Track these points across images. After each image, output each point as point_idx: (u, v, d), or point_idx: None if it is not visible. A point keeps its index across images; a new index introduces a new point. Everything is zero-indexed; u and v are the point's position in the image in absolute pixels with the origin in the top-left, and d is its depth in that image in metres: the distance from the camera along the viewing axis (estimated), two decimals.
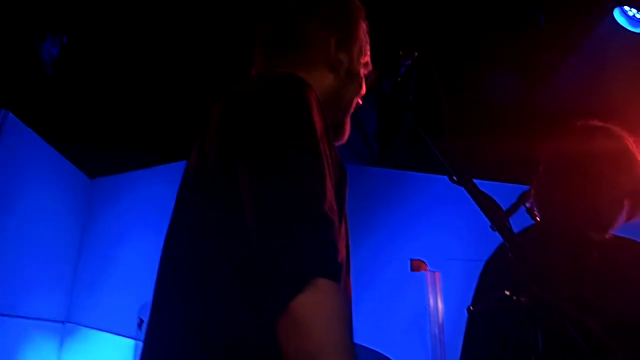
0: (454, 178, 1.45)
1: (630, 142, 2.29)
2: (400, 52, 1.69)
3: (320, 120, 1.38)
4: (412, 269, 3.56)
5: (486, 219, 2.28)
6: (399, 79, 1.72)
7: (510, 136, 4.58)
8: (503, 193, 2.57)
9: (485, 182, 4.51)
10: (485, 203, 1.37)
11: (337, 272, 1.23)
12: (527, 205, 2.69)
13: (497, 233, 2.42)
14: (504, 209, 2.60)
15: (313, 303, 1.19)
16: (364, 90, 1.74)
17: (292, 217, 1.23)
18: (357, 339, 3.09)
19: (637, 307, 2.19)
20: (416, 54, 1.67)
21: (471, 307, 1.40)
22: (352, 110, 1.73)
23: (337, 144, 1.71)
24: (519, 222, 2.32)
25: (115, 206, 4.38)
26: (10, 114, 3.56)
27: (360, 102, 1.75)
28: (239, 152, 1.33)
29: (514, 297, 1.21)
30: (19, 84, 3.63)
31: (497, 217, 1.33)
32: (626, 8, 4.15)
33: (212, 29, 3.78)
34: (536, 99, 4.95)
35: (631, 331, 2.16)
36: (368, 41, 1.77)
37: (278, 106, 1.35)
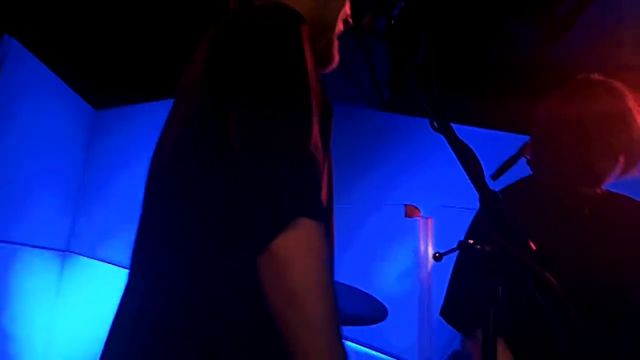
0: (435, 124, 1.44)
1: (630, 99, 2.26)
2: None
3: (311, 54, 1.37)
4: (406, 215, 3.57)
5: (485, 168, 2.30)
6: (392, 21, 1.69)
7: (525, 88, 4.54)
8: (515, 144, 2.57)
9: (498, 132, 4.51)
10: (463, 152, 1.35)
11: (319, 211, 1.23)
12: (528, 157, 2.69)
13: (494, 182, 2.43)
14: (508, 158, 2.62)
15: (294, 241, 1.20)
16: (348, 9, 1.69)
17: (278, 154, 1.23)
18: (349, 281, 3.12)
19: (623, 264, 2.19)
20: None
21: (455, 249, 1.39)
22: (338, 32, 1.69)
23: (327, 70, 1.69)
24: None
25: (120, 138, 4.39)
26: (15, 40, 3.54)
27: (350, 21, 1.70)
28: (228, 89, 1.32)
29: (478, 246, 1.20)
30: (24, 10, 3.61)
31: (472, 167, 1.32)
32: None
33: None
34: (551, 52, 4.88)
35: (614, 285, 2.17)
36: None
37: (269, 43, 1.33)
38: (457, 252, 1.25)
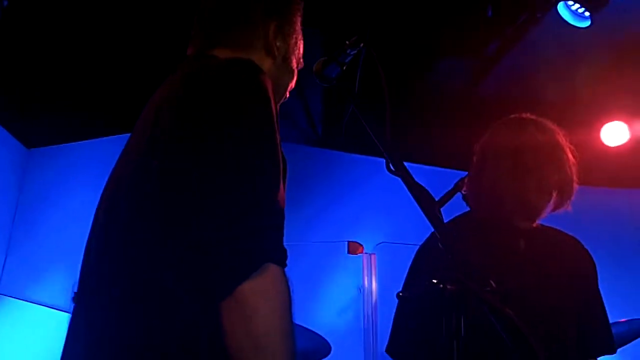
0: (391, 167, 1.49)
1: (560, 136, 2.36)
2: (347, 42, 1.72)
3: (275, 109, 1.41)
4: (349, 251, 3.62)
5: (410, 203, 2.36)
6: (344, 68, 1.75)
7: (454, 123, 4.67)
8: (447, 179, 2.65)
9: (430, 167, 4.62)
10: (419, 193, 1.41)
11: (284, 258, 1.29)
12: (464, 192, 2.76)
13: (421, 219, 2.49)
14: (444, 194, 2.69)
15: (261, 288, 1.23)
16: (294, 82, 1.77)
17: (249, 204, 1.26)
18: (295, 319, 3.13)
19: (558, 297, 2.28)
20: (362, 45, 1.69)
21: (400, 293, 1.45)
22: (283, 99, 1.77)
23: None
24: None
25: (52, 178, 4.31)
26: None
27: (287, 95, 1.79)
28: (198, 141, 1.33)
29: (440, 285, 1.26)
30: None
31: (429, 207, 1.37)
32: (570, 2, 4.22)
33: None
34: (480, 88, 5.05)
35: (551, 320, 2.25)
36: (302, 38, 1.80)
37: (242, 97, 1.37)
38: (421, 291, 1.30)
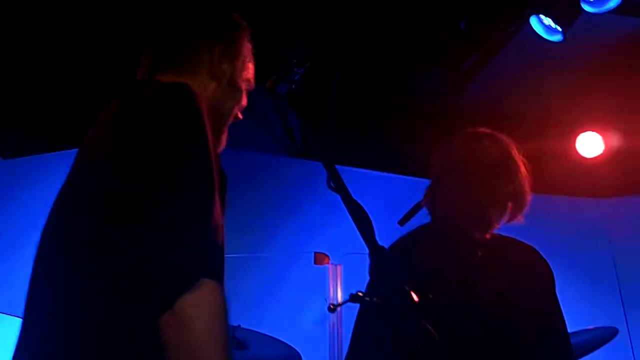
0: (331, 184, 1.55)
1: (514, 149, 2.43)
2: (294, 61, 1.79)
3: (210, 131, 1.48)
4: (315, 262, 3.67)
5: (391, 215, 2.41)
6: (293, 85, 1.81)
7: (431, 135, 4.72)
8: (423, 189, 2.69)
9: (407, 177, 4.68)
10: (355, 210, 1.47)
11: (219, 272, 1.35)
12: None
13: (400, 229, 2.55)
14: (413, 206, 2.73)
15: (197, 301, 1.30)
16: (244, 102, 1.84)
17: (187, 222, 1.34)
18: (262, 329, 3.18)
19: (515, 307, 2.33)
20: (307, 64, 1.76)
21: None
22: (230, 121, 1.83)
23: None
24: None
25: (29, 187, 4.32)
26: None
27: (240, 116, 1.85)
28: (134, 162, 1.40)
29: (367, 298, 1.32)
30: None
31: (363, 224, 1.44)
32: (542, 17, 4.28)
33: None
34: (457, 101, 5.12)
35: (508, 330, 2.30)
36: (252, 60, 1.86)
37: (174, 120, 1.44)
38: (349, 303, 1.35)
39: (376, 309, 1.32)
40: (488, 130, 2.46)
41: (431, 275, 2.29)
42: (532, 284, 2.39)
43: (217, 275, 1.34)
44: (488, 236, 2.42)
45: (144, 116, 1.46)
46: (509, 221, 2.40)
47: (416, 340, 1.26)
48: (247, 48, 1.84)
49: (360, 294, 1.35)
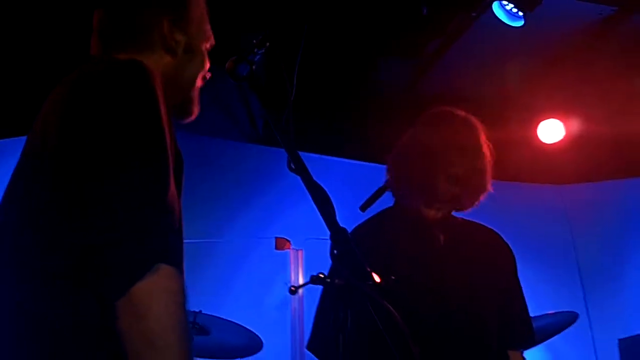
0: (292, 166, 1.53)
1: (481, 132, 2.40)
2: (254, 41, 1.75)
3: (164, 108, 1.42)
4: (276, 247, 3.66)
5: (352, 201, 2.40)
6: (253, 66, 1.78)
7: (393, 121, 4.72)
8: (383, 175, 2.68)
9: (369, 164, 4.68)
10: (316, 192, 1.45)
11: (175, 257, 1.31)
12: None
13: (360, 214, 2.54)
14: (375, 191, 2.72)
15: (153, 287, 1.26)
16: (207, 64, 1.77)
17: (138, 206, 1.28)
18: (224, 314, 3.16)
19: (478, 289, 2.33)
20: (267, 44, 1.72)
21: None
22: (198, 85, 1.76)
23: (186, 121, 1.76)
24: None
25: None
26: None
27: (208, 76, 1.78)
28: (82, 143, 1.34)
29: (328, 280, 1.30)
30: None
31: (324, 206, 1.42)
32: (504, 2, 4.29)
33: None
34: (418, 87, 5.12)
35: (471, 312, 2.30)
36: (206, 16, 1.79)
37: (123, 97, 1.38)
38: (310, 284, 1.33)
39: (338, 290, 1.31)
40: (458, 111, 2.43)
41: (394, 257, 2.29)
42: (494, 266, 2.40)
43: (172, 260, 1.29)
44: (450, 219, 2.42)
45: (91, 95, 1.40)
46: (469, 205, 2.40)
47: (378, 321, 1.25)
48: (198, 9, 1.76)
49: (321, 275, 1.33)
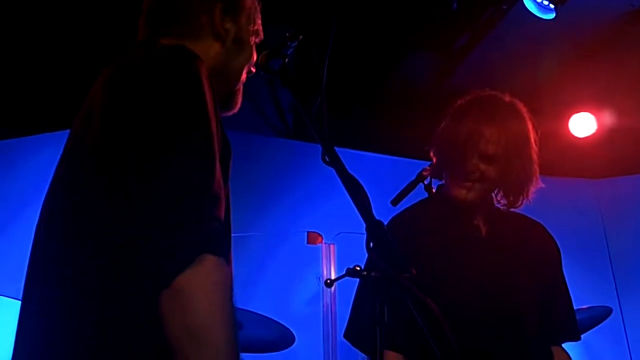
0: (326, 158, 1.52)
1: (530, 123, 2.34)
2: (287, 34, 1.75)
3: (210, 95, 1.40)
4: (308, 242, 3.65)
5: (381, 195, 2.39)
6: (286, 60, 1.77)
7: (422, 116, 4.71)
8: (414, 170, 2.67)
9: (399, 158, 4.66)
10: (351, 185, 1.45)
11: (221, 247, 1.26)
12: (426, 182, 2.79)
13: (392, 208, 2.53)
14: (407, 184, 2.71)
15: (198, 278, 1.22)
16: (254, 58, 1.75)
17: (182, 193, 1.25)
18: (256, 309, 3.16)
19: (521, 282, 2.29)
20: (300, 37, 1.72)
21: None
22: (243, 79, 1.74)
23: (228, 113, 1.74)
24: None
25: (21, 170, 4.28)
26: None
27: (254, 70, 1.76)
28: (127, 131, 1.33)
29: (364, 272, 1.30)
30: None
31: (359, 198, 1.41)
32: None
33: None
34: (448, 81, 5.10)
35: (513, 306, 2.26)
36: (258, 9, 1.77)
37: (168, 84, 1.36)
38: (346, 277, 1.33)
39: (374, 283, 1.30)
40: (506, 97, 2.37)
41: (433, 249, 2.26)
42: (538, 260, 2.35)
43: (218, 250, 1.25)
44: (495, 211, 2.38)
45: (135, 81, 1.39)
46: (514, 193, 2.33)
47: (416, 314, 1.24)
48: (250, 1, 1.74)
49: (357, 268, 1.32)
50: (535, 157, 2.32)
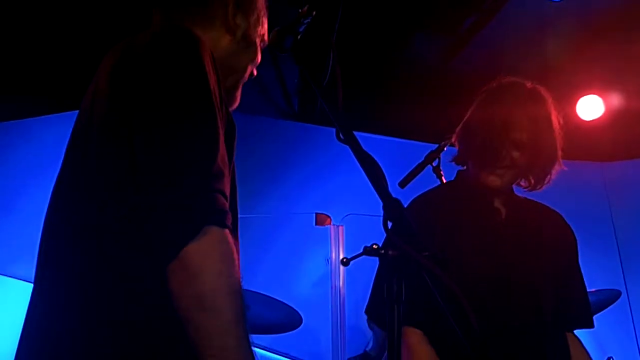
0: (341, 136, 1.51)
1: (552, 106, 2.37)
2: (300, 11, 1.73)
3: (214, 74, 1.43)
4: (316, 223, 3.65)
5: (391, 176, 2.38)
6: (298, 37, 1.75)
7: (429, 98, 4.70)
8: (422, 152, 2.67)
9: (405, 140, 4.65)
10: (367, 163, 1.43)
11: (225, 219, 1.30)
12: (434, 164, 2.79)
13: (401, 190, 2.52)
14: (415, 166, 2.70)
15: (205, 249, 1.26)
16: (258, 59, 1.78)
17: (188, 167, 1.29)
18: (264, 290, 3.16)
19: (538, 267, 2.30)
20: (314, 13, 1.70)
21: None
22: (245, 78, 1.78)
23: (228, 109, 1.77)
24: None
25: (24, 151, 4.28)
26: None
27: (255, 72, 1.80)
28: (132, 107, 1.36)
29: (382, 250, 1.28)
30: None
31: (375, 177, 1.40)
32: None
33: None
34: (455, 63, 5.07)
35: (530, 290, 2.27)
36: (266, 15, 1.80)
37: (171, 61, 1.39)
38: (363, 256, 1.32)
39: (392, 261, 1.29)
40: (528, 83, 2.40)
41: (453, 229, 2.27)
42: (555, 246, 2.38)
43: (223, 222, 1.29)
44: (513, 195, 2.40)
45: (140, 58, 1.41)
46: (538, 177, 2.37)
47: (435, 291, 1.23)
48: (261, 2, 1.78)
49: (375, 246, 1.31)
50: (559, 141, 2.36)
